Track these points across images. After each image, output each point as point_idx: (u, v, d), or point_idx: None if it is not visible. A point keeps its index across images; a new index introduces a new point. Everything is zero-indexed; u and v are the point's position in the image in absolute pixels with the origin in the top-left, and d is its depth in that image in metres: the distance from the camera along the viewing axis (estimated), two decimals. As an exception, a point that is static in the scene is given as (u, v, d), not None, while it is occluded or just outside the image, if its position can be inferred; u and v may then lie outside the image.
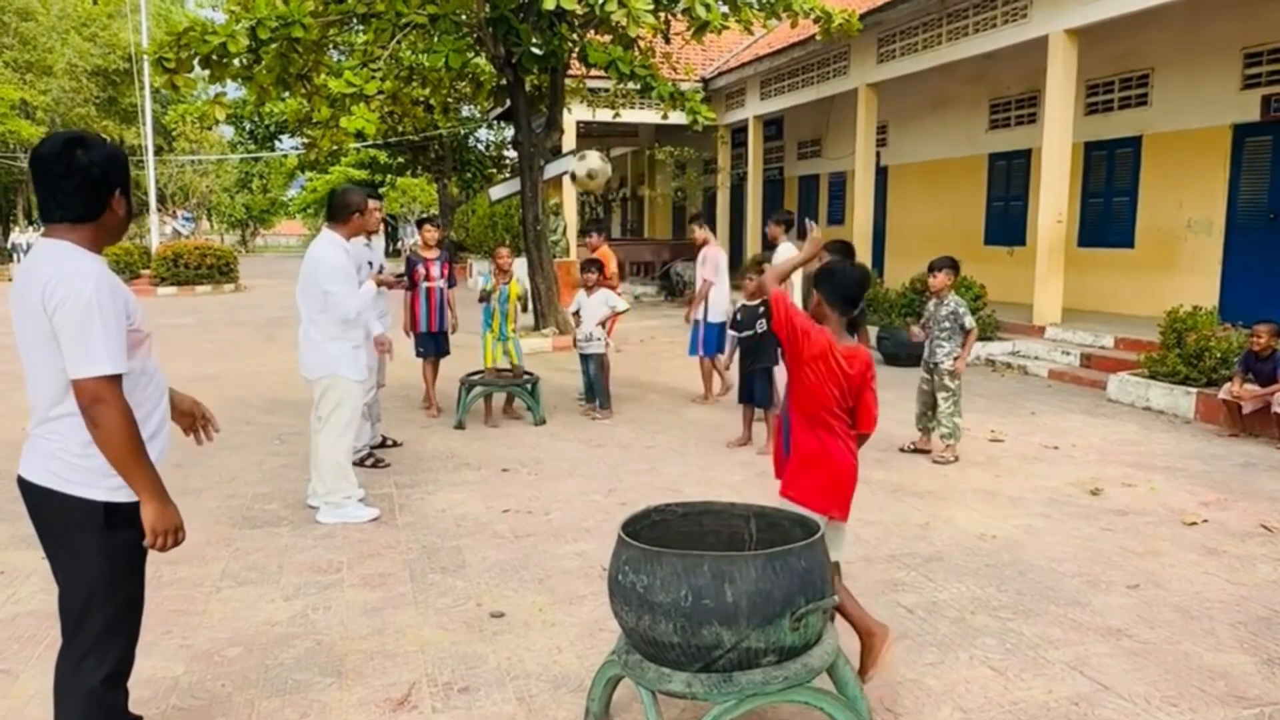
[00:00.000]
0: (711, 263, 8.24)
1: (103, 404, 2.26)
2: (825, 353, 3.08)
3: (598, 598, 4.07)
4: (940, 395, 6.45)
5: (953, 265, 6.62)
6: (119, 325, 2.30)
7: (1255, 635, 3.70)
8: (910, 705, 3.16)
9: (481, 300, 7.75)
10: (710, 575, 2.52)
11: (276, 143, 34.31)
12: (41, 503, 2.42)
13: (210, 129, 31.99)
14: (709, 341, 8.25)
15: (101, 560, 2.40)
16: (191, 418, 2.83)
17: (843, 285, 3.23)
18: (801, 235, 6.52)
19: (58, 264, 2.31)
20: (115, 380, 2.28)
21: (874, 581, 4.23)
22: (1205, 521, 5.10)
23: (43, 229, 2.41)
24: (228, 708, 3.14)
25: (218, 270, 22.68)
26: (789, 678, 2.57)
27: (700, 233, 8.46)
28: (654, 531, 2.93)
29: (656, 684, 2.62)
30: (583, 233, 9.05)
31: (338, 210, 5.13)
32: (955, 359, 6.42)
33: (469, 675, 3.37)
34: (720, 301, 8.23)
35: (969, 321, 6.45)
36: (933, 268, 6.65)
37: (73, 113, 36.13)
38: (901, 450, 6.64)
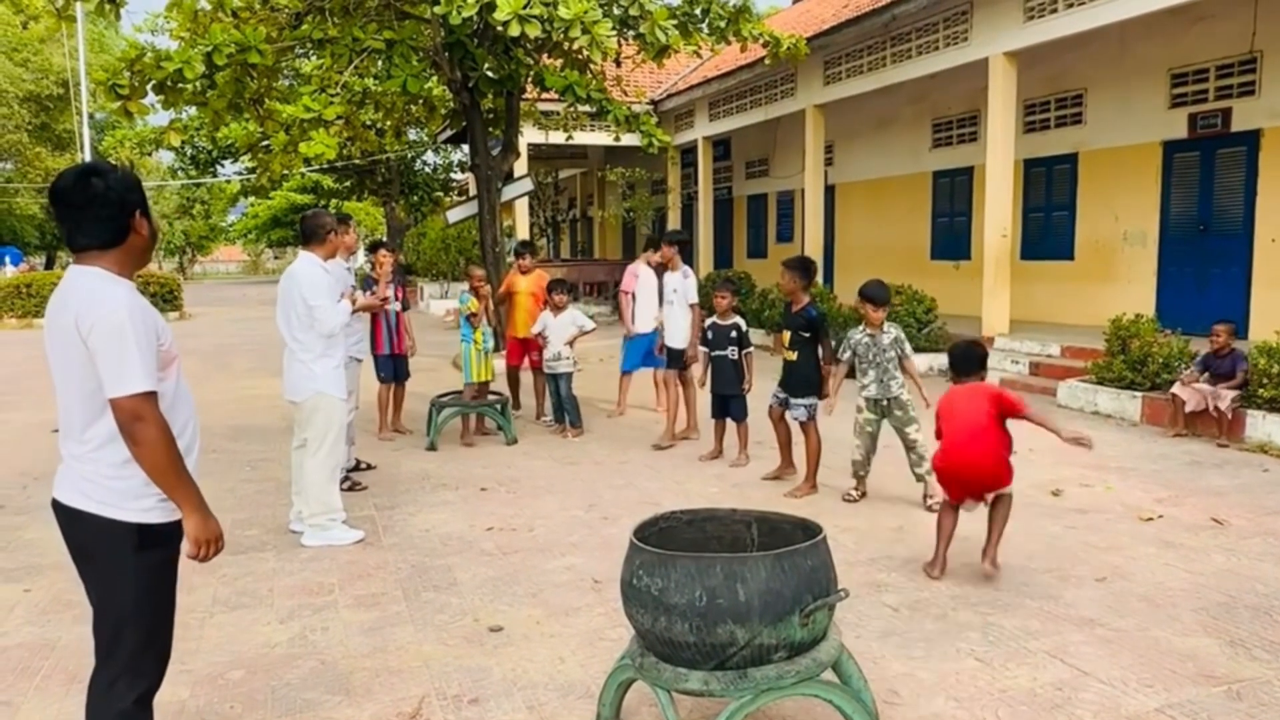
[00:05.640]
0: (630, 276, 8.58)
1: (141, 421, 2.31)
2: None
3: (593, 609, 4.16)
4: (910, 429, 5.70)
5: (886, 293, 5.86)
6: (150, 345, 2.36)
7: (1216, 619, 3.93)
8: (907, 696, 3.30)
9: (470, 317, 7.91)
10: (723, 576, 2.64)
11: (219, 167, 33.78)
12: (75, 525, 2.45)
13: (150, 155, 31.32)
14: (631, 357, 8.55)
15: (133, 581, 2.44)
16: None
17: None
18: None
19: (89, 290, 2.36)
20: (151, 397, 2.33)
21: (857, 583, 4.38)
22: (1160, 517, 5.38)
23: (73, 258, 2.45)
24: (239, 729, 3.16)
25: (162, 298, 22.21)
26: (800, 672, 2.70)
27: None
28: (661, 538, 3.03)
29: (673, 683, 2.72)
30: (518, 253, 9.53)
31: (313, 233, 5.26)
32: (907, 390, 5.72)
33: (476, 688, 3.43)
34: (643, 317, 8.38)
35: (910, 348, 5.84)
36: (874, 300, 5.70)
37: (3, 139, 35.15)
38: (845, 499, 5.83)
